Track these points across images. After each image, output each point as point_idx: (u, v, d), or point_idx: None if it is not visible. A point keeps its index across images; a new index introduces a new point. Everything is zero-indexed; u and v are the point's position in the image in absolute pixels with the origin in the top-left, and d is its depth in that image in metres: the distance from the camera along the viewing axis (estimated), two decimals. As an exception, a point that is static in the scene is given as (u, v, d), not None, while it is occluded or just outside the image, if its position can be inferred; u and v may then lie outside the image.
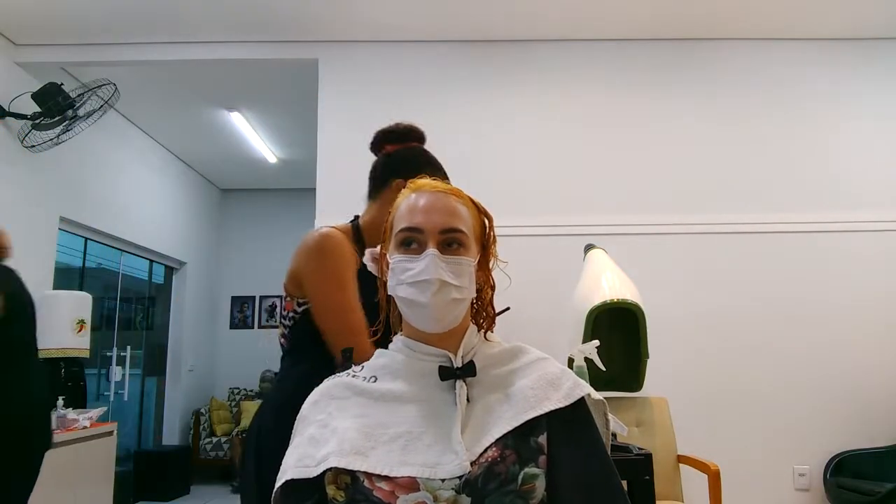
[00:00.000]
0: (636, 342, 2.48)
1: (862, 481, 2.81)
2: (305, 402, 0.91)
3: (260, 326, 6.27)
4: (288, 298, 1.34)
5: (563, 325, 2.59)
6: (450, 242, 0.88)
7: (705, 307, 3.14)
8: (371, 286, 1.14)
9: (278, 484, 0.80)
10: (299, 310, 1.31)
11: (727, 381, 3.07)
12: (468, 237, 0.89)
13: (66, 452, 2.85)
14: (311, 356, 1.29)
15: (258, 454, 1.24)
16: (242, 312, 6.31)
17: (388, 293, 0.91)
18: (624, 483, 0.87)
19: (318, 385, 1.26)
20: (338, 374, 0.93)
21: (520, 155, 3.32)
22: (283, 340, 1.37)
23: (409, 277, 0.86)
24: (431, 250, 0.86)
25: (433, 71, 3.42)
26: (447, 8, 3.18)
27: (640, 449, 1.82)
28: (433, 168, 1.40)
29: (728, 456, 2.63)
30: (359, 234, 1.40)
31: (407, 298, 0.87)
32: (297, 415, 1.25)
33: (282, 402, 1.28)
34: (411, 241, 0.88)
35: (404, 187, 1.20)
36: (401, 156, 1.43)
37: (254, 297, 6.30)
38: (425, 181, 0.94)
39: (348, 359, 1.09)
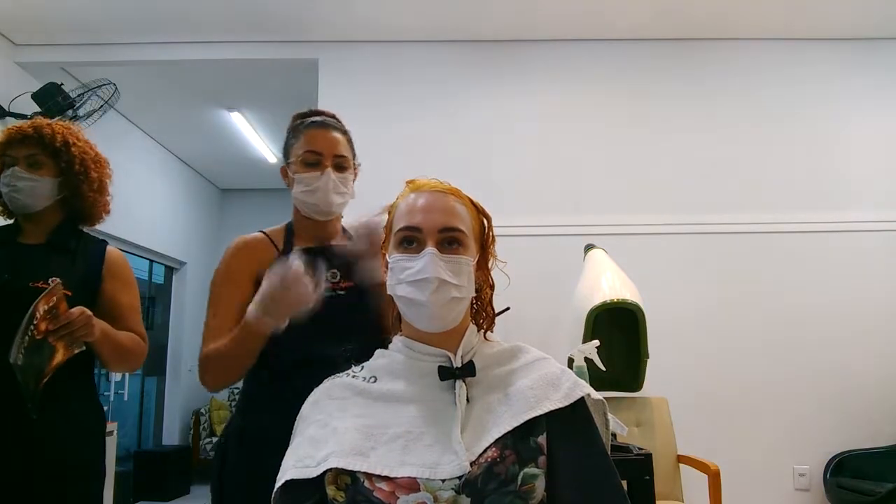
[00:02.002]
0: (636, 342, 2.47)
1: (862, 481, 2.80)
2: (306, 402, 0.91)
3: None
4: None
5: (563, 325, 2.59)
6: (449, 241, 0.88)
7: (705, 307, 3.14)
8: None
9: (278, 484, 0.80)
10: None
11: (727, 381, 3.06)
12: (467, 236, 0.89)
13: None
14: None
15: (222, 460, 1.30)
16: (242, 312, 6.30)
17: (388, 293, 0.91)
18: (624, 483, 0.87)
19: (254, 387, 1.31)
20: (338, 375, 0.93)
21: (520, 155, 3.31)
22: None
23: (408, 276, 0.86)
24: (430, 249, 0.86)
25: (433, 71, 3.42)
26: (447, 8, 3.17)
27: (640, 449, 1.82)
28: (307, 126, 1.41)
29: (728, 456, 2.63)
30: (290, 231, 1.41)
31: (406, 297, 0.87)
32: (246, 420, 1.29)
33: (236, 409, 1.36)
34: (411, 241, 0.88)
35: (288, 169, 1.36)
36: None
37: (254, 298, 6.29)
38: (425, 181, 0.94)
39: (347, 359, 1.08)
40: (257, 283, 1.25)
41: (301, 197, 1.36)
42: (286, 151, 1.43)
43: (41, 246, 1.53)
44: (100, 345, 1.44)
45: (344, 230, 1.44)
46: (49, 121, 1.57)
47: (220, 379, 1.27)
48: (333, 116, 1.46)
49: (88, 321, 1.36)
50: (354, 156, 1.44)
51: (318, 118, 1.41)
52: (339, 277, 1.31)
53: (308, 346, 1.23)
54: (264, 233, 1.39)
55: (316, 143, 1.37)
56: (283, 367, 1.25)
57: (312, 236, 1.39)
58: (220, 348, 1.23)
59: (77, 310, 1.35)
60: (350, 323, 1.27)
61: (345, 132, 1.43)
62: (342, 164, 1.38)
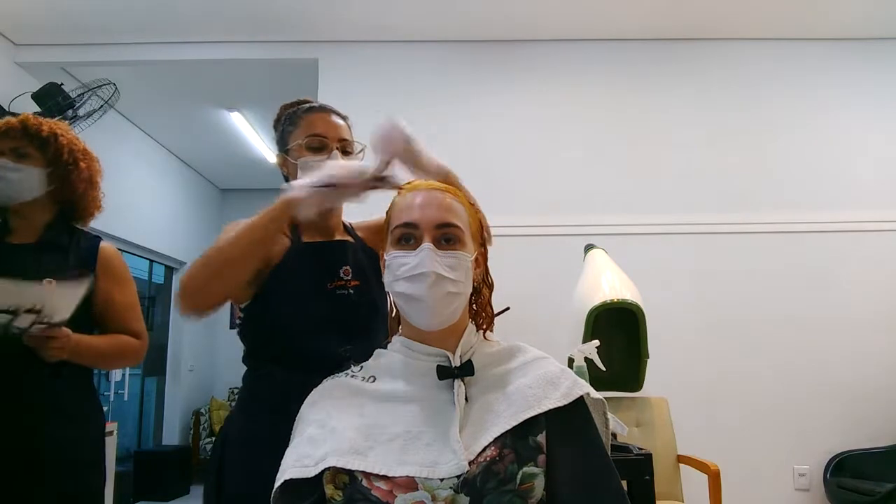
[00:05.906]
0: (636, 342, 2.47)
1: (862, 481, 2.80)
2: (304, 402, 0.90)
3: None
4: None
5: (563, 325, 2.58)
6: (446, 238, 0.88)
7: (705, 307, 3.13)
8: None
9: (277, 483, 0.80)
10: (241, 314, 1.28)
11: (727, 382, 3.06)
12: (464, 233, 0.90)
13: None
14: (250, 359, 1.27)
15: (221, 460, 1.23)
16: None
17: (386, 290, 0.91)
18: (624, 483, 0.87)
19: (257, 386, 1.25)
20: (336, 374, 0.93)
21: (520, 155, 3.31)
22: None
23: (404, 272, 0.86)
24: (427, 244, 0.86)
25: (433, 71, 3.42)
26: (447, 8, 3.17)
27: (640, 449, 1.82)
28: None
29: (728, 456, 2.62)
30: (293, 223, 1.31)
31: (403, 293, 0.87)
32: (248, 420, 1.23)
33: (236, 408, 1.29)
34: (408, 238, 0.88)
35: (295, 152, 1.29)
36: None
37: (254, 298, 6.29)
38: (421, 181, 0.94)
39: (348, 358, 1.08)
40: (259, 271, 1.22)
41: None
42: (283, 141, 1.35)
43: (31, 245, 1.50)
44: (74, 358, 1.43)
45: (345, 225, 1.39)
46: (36, 116, 1.57)
47: (204, 282, 1.21)
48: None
49: (64, 345, 1.38)
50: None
51: (315, 104, 1.35)
52: (350, 275, 1.26)
53: (311, 344, 1.19)
54: None
55: (318, 127, 1.30)
56: (285, 365, 1.20)
57: (315, 230, 1.31)
58: (222, 240, 1.17)
59: (63, 331, 1.37)
60: (355, 323, 1.23)
61: (344, 118, 1.37)
62: (347, 149, 1.32)
